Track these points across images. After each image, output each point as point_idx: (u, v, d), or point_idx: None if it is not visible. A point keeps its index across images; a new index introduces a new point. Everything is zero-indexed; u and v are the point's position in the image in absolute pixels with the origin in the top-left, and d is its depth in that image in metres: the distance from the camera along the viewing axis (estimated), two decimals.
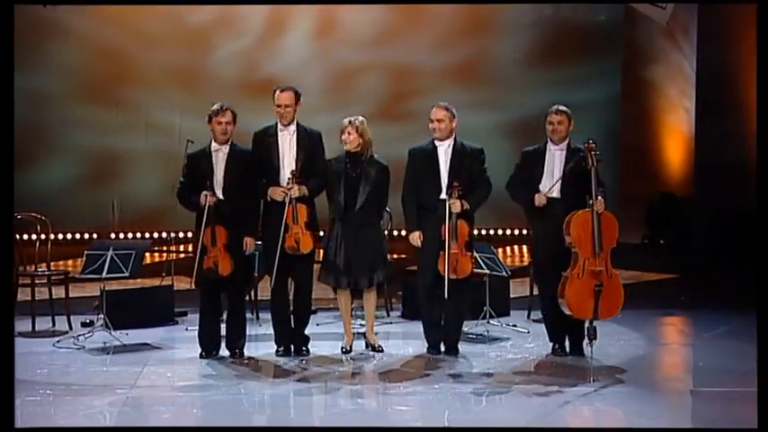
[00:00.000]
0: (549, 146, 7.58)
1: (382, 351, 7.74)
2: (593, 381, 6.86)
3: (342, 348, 7.75)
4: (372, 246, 7.61)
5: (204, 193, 7.36)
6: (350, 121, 7.57)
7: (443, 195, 7.48)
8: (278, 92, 7.61)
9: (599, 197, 7.22)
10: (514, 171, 7.72)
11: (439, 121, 7.59)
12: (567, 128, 7.56)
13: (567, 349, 7.62)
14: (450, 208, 7.42)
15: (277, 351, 7.68)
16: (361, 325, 8.11)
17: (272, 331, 7.78)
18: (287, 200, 7.40)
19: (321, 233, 7.75)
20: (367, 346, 7.79)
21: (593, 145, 7.31)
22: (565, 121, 7.54)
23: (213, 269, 7.39)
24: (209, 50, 14.47)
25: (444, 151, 7.60)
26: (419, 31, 14.54)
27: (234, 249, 7.44)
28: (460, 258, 7.48)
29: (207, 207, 7.34)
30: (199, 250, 7.36)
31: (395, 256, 8.18)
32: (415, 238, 7.58)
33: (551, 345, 7.69)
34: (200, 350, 7.59)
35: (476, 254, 7.90)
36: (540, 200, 7.45)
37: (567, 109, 7.60)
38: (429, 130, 7.67)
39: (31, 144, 13.62)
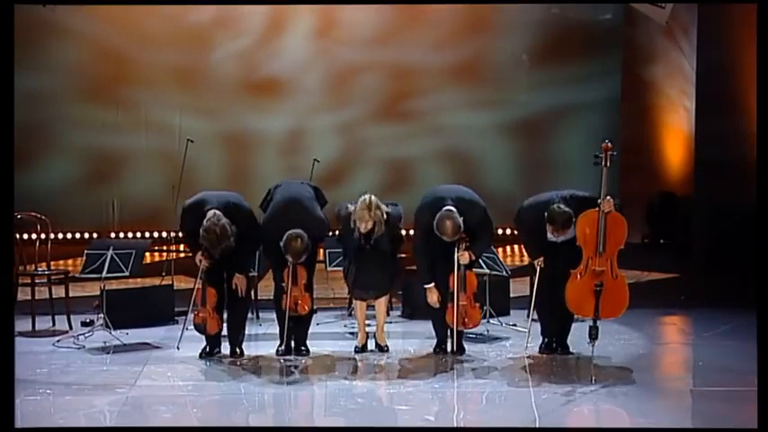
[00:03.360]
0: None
1: (388, 350, 7.77)
2: (594, 380, 6.86)
3: (355, 348, 7.78)
4: (387, 267, 7.65)
5: (198, 257, 7.41)
6: (368, 211, 7.38)
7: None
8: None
9: (608, 197, 7.21)
10: (526, 238, 7.63)
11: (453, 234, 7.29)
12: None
13: (554, 345, 7.65)
14: (458, 260, 7.40)
15: (277, 350, 7.69)
16: (367, 324, 8.10)
17: (275, 330, 7.79)
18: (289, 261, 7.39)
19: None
20: (376, 346, 7.81)
21: (611, 145, 7.30)
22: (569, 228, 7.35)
23: (201, 326, 7.52)
24: (208, 50, 14.45)
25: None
26: (419, 31, 14.51)
27: (226, 305, 7.55)
28: (470, 310, 7.52)
29: (200, 269, 7.43)
30: (191, 306, 7.54)
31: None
32: (433, 299, 7.49)
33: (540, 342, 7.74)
34: (199, 349, 7.61)
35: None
36: (539, 263, 7.45)
37: (570, 211, 7.26)
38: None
39: (31, 144, 13.61)
